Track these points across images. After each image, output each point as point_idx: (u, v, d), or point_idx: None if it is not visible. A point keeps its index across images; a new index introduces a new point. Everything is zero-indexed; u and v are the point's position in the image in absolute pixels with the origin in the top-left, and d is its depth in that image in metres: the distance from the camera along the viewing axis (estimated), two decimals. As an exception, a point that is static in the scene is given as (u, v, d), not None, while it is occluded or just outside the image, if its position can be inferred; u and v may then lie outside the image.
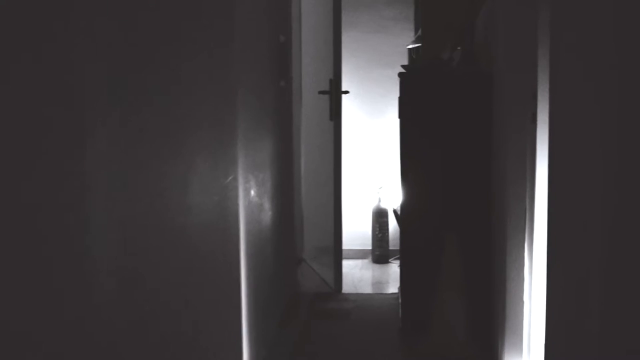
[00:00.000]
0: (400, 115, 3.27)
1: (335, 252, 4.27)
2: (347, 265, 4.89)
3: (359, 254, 5.24)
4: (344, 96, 4.42)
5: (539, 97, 2.49)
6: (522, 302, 2.76)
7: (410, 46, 4.34)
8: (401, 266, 3.37)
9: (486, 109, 3.15)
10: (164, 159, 1.54)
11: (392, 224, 5.07)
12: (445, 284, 3.11)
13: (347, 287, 4.42)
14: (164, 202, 1.53)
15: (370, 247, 5.21)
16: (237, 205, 2.35)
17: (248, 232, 2.64)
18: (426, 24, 3.77)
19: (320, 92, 4.24)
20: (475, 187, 3.20)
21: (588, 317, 1.51)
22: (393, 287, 4.42)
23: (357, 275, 4.76)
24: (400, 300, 3.45)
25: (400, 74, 3.28)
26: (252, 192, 2.82)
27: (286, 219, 3.88)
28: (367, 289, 4.44)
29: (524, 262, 2.75)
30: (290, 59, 4.02)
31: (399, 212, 3.36)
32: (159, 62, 1.54)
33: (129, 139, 1.32)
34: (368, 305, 3.99)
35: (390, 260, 5.11)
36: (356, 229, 5.25)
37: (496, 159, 3.04)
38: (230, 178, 2.19)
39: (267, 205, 3.18)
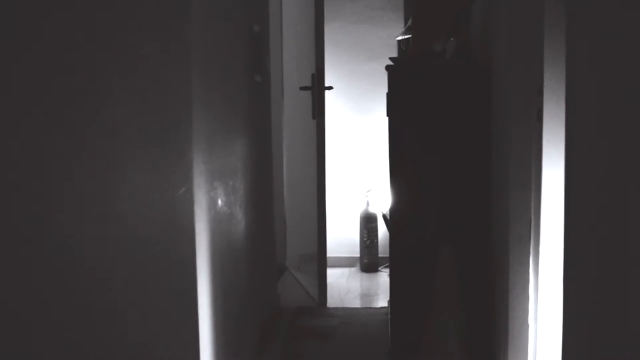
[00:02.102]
0: (389, 113, 3.15)
1: (319, 263, 4.14)
2: (334, 274, 4.79)
3: (346, 262, 5.14)
4: (328, 92, 4.34)
5: (546, 92, 2.38)
6: (527, 324, 2.63)
7: (400, 37, 4.20)
8: (391, 280, 3.24)
9: (484, 105, 3.04)
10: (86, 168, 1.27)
11: (382, 230, 4.99)
12: (439, 301, 2.96)
13: (333, 299, 4.28)
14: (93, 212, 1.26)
15: (358, 255, 5.11)
16: (191, 221, 2.07)
17: (214, 247, 2.43)
18: (417, 12, 3.63)
19: (302, 89, 4.12)
20: (472, 192, 3.09)
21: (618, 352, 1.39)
22: (383, 300, 4.27)
23: (344, 286, 4.62)
24: (389, 317, 3.32)
25: (388, 67, 3.14)
26: (220, 202, 2.61)
27: (265, 227, 3.73)
28: (355, 302, 4.30)
29: (528, 279, 2.62)
30: (268, 51, 3.84)
31: (388, 217, 3.30)
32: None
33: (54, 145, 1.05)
34: (355, 322, 3.82)
35: (379, 268, 4.99)
36: (343, 235, 5.16)
37: (496, 161, 2.96)
38: (182, 190, 1.88)
39: (239, 214, 2.99)
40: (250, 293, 3.25)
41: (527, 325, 2.60)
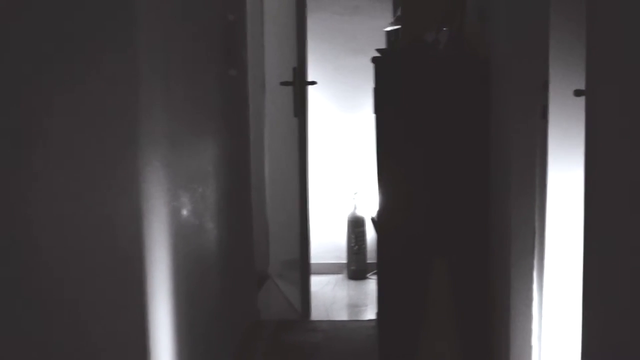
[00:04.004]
0: (376, 109, 3.07)
1: (302, 272, 4.05)
2: (319, 282, 4.67)
3: (332, 269, 5.02)
4: (311, 88, 4.23)
5: (552, 87, 2.35)
6: (530, 346, 2.57)
7: (388, 28, 4.11)
8: (378, 290, 3.15)
9: (482, 100, 2.96)
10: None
11: (370, 234, 4.87)
12: (432, 317, 2.91)
13: (318, 311, 4.14)
14: None
15: (345, 261, 5.01)
16: (138, 242, 1.86)
17: (177, 265, 2.27)
18: (407, 1, 3.55)
19: (283, 84, 4.01)
20: (469, 196, 3.02)
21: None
22: (372, 311, 4.11)
23: (329, 296, 4.51)
24: (377, 331, 3.23)
25: (374, 59, 3.04)
26: (185, 212, 2.44)
27: (242, 234, 3.60)
28: (341, 314, 4.20)
29: (532, 296, 2.55)
30: (245, 43, 3.70)
31: (376, 221, 3.27)
32: None
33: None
34: (341, 336, 3.69)
35: (368, 275, 4.86)
36: (329, 240, 5.05)
37: (496, 163, 2.90)
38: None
39: (210, 224, 2.84)
40: (225, 308, 3.12)
41: (531, 347, 2.55)
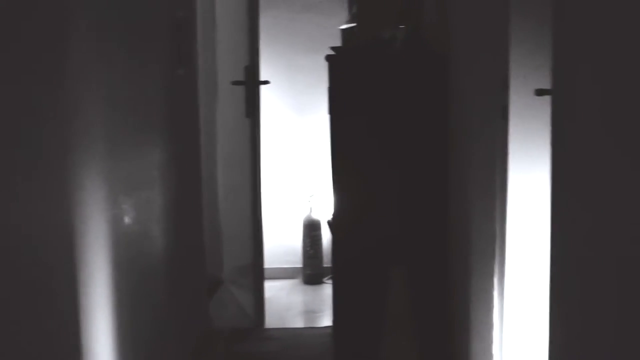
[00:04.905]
0: (330, 109, 3.07)
1: (255, 277, 4.05)
2: (273, 287, 4.66)
3: (287, 274, 5.03)
4: (265, 88, 4.22)
5: (512, 86, 2.34)
6: (491, 355, 2.55)
7: (344, 26, 4.16)
8: (334, 296, 3.15)
9: (441, 100, 2.97)
10: None
11: (327, 238, 4.84)
12: (390, 325, 2.94)
13: (272, 318, 4.13)
14: None
15: (300, 265, 5.04)
16: (72, 255, 1.77)
17: (118, 273, 2.20)
18: None
19: (235, 83, 4.00)
20: (427, 198, 3.03)
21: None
22: (328, 317, 4.08)
23: (284, 302, 4.55)
24: (334, 341, 3.21)
25: (328, 57, 3.05)
26: (128, 220, 2.36)
27: (192, 239, 3.54)
28: (297, 321, 4.25)
29: (493, 303, 2.52)
30: (196, 41, 3.62)
31: (328, 226, 3.35)
32: None
33: None
34: (297, 345, 3.68)
35: (324, 280, 4.87)
36: (284, 244, 5.06)
37: (455, 164, 2.90)
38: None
39: (156, 230, 2.78)
40: (173, 318, 3.06)
41: (492, 356, 2.53)
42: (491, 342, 2.49)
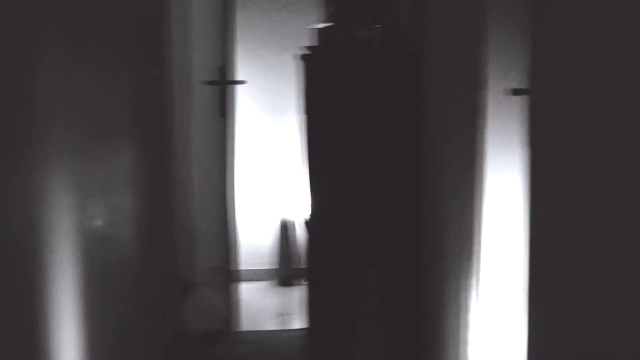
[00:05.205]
0: (304, 109, 3.04)
1: (229, 280, 4.00)
2: (248, 289, 4.65)
3: (261, 275, 5.04)
4: (240, 87, 4.22)
5: (488, 86, 2.32)
6: (466, 356, 2.54)
7: (319, 25, 4.05)
8: (308, 299, 3.11)
9: (417, 100, 2.95)
10: None
11: (301, 240, 4.87)
12: (363, 327, 2.91)
13: (247, 320, 4.10)
14: None
15: (274, 267, 5.05)
16: (35, 260, 1.70)
17: (85, 278, 2.14)
18: None
19: (208, 83, 3.97)
20: (402, 201, 2.99)
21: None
22: (302, 320, 4.03)
23: (258, 304, 4.52)
24: (308, 343, 3.17)
25: (302, 57, 3.03)
26: (95, 222, 2.31)
27: (165, 241, 3.50)
28: (271, 323, 4.22)
29: (467, 304, 2.51)
30: (170, 40, 3.60)
31: (306, 226, 3.25)
32: None
33: None
34: (270, 348, 3.69)
35: (299, 281, 4.87)
36: (258, 246, 5.06)
37: (431, 166, 2.87)
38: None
39: (127, 232, 2.73)
40: (145, 322, 3.01)
41: (467, 357, 2.52)
42: (466, 345, 2.47)
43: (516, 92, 2.16)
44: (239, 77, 4.14)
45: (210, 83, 3.95)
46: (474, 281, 2.48)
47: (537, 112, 1.65)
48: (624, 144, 1.27)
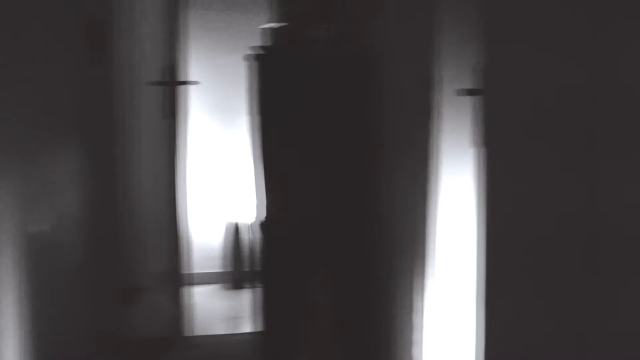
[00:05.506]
0: (255, 111, 3.01)
1: (178, 283, 3.93)
2: (198, 293, 4.56)
3: (212, 279, 4.95)
4: (191, 88, 4.16)
5: (439, 87, 2.35)
6: (411, 357, 2.58)
7: (271, 25, 3.92)
8: (260, 302, 3.04)
9: (369, 101, 2.89)
10: None
11: (252, 241, 4.82)
12: (315, 331, 2.89)
13: (197, 325, 4.02)
14: None
15: (226, 270, 4.96)
16: None
17: (25, 283, 2.09)
18: None
19: (155, 84, 3.88)
20: (355, 199, 2.93)
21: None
22: (254, 323, 3.90)
23: (209, 308, 4.45)
24: (260, 347, 3.11)
25: (249, 57, 3.00)
26: (36, 227, 2.27)
27: (109, 244, 3.40)
28: (223, 327, 4.14)
29: (420, 307, 2.52)
30: (111, 37, 3.47)
31: (259, 228, 3.18)
32: None
33: None
34: (222, 353, 3.63)
35: (251, 284, 4.81)
36: (208, 248, 4.98)
37: (384, 167, 2.85)
38: None
39: (68, 237, 2.71)
40: (87, 328, 2.96)
41: (412, 358, 2.56)
42: (418, 344, 2.48)
43: (469, 92, 2.15)
44: (189, 78, 4.07)
45: (157, 84, 3.88)
46: (426, 282, 2.46)
47: (490, 113, 1.66)
48: (574, 143, 1.26)
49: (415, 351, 2.47)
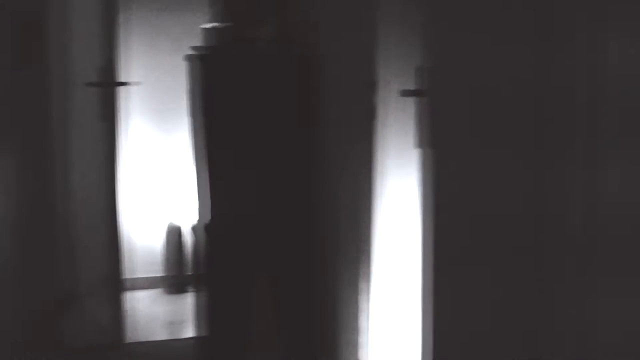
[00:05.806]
0: (192, 113, 2.96)
1: (115, 289, 3.86)
2: (136, 298, 4.51)
3: (151, 283, 4.86)
4: (128, 89, 4.12)
5: (379, 88, 2.37)
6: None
7: (210, 25, 3.87)
8: (201, 307, 2.99)
9: (311, 102, 2.86)
10: None
11: (192, 245, 4.75)
12: (257, 335, 2.84)
13: (134, 331, 3.96)
14: None
15: (164, 274, 4.88)
16: None
17: None
18: None
19: (90, 85, 3.81)
20: (296, 204, 2.88)
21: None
22: (194, 328, 3.82)
23: (147, 313, 4.35)
24: (200, 353, 3.06)
25: (188, 57, 2.96)
26: None
27: (42, 251, 3.38)
28: (161, 333, 4.08)
29: (363, 309, 2.53)
30: (42, 37, 3.45)
31: (199, 231, 3.14)
32: None
33: None
34: (161, 359, 3.59)
35: (191, 288, 4.71)
36: (147, 252, 4.89)
37: (326, 169, 2.84)
38: None
39: (1, 242, 2.70)
40: (16, 338, 2.93)
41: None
42: (361, 346, 2.49)
43: (412, 93, 2.16)
44: (125, 78, 4.00)
45: (92, 85, 3.81)
46: (369, 284, 2.47)
47: (434, 113, 1.66)
48: (519, 142, 1.27)
49: (361, 353, 2.47)
